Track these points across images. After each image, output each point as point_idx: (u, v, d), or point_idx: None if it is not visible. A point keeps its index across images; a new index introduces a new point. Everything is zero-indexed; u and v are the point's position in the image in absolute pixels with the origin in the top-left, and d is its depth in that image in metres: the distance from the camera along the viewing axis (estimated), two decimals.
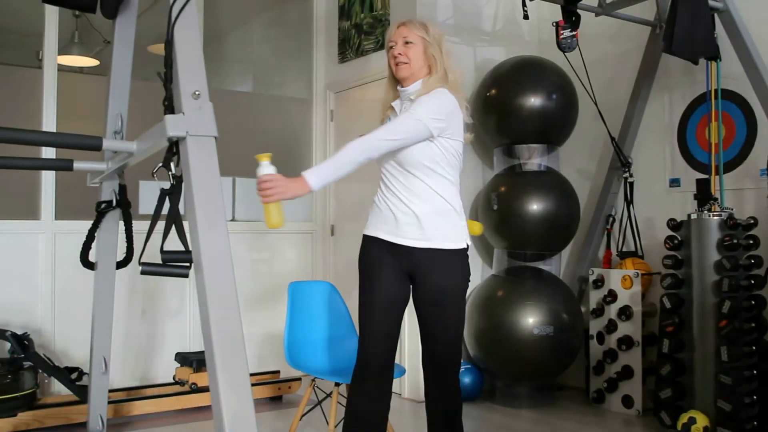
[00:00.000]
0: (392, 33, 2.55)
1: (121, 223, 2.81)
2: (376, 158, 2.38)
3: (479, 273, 4.63)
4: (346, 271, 4.89)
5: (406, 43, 2.50)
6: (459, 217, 2.47)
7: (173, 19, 1.81)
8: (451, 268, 2.43)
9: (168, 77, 1.81)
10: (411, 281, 2.48)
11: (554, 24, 3.73)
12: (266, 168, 2.18)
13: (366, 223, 2.55)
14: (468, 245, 2.48)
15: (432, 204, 2.41)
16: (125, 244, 2.77)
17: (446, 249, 2.42)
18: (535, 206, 4.12)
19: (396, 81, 2.57)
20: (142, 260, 1.79)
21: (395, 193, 2.44)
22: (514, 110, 4.21)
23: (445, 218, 2.42)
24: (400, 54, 2.50)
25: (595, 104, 4.27)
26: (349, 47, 5.01)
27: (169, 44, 1.81)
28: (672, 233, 3.67)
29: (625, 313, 3.98)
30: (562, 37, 3.72)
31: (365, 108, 4.84)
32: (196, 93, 1.77)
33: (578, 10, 3.74)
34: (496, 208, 4.20)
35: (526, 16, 3.71)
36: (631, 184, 4.33)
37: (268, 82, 6.05)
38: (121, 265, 2.81)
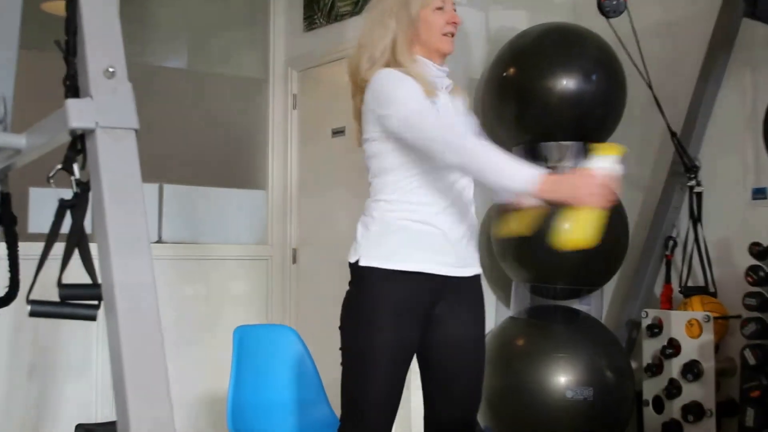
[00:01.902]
0: None
1: (3, 246, 2.79)
2: None
3: (492, 314, 4.62)
4: (314, 312, 4.87)
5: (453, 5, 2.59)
6: None
7: None
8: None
9: (70, 47, 1.80)
10: (429, 325, 2.54)
11: None
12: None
13: (388, 250, 2.49)
14: None
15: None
16: (8, 274, 2.75)
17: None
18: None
19: (425, 52, 2.59)
20: (31, 297, 1.78)
21: (458, 205, 2.53)
22: (541, 96, 4.23)
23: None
24: (456, 23, 2.57)
25: (650, 88, 4.29)
26: (318, 10, 5.03)
27: (71, 2, 1.80)
28: (756, 262, 3.69)
29: (692, 371, 3.99)
30: None
31: (340, 92, 4.85)
32: (110, 70, 1.76)
33: None
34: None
35: None
36: (699, 195, 4.36)
37: (209, 55, 6.04)
38: (1, 303, 2.78)
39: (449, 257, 2.51)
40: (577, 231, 2.26)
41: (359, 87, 2.58)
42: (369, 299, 2.45)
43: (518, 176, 2.28)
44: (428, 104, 2.42)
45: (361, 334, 2.45)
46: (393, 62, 2.52)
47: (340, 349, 2.50)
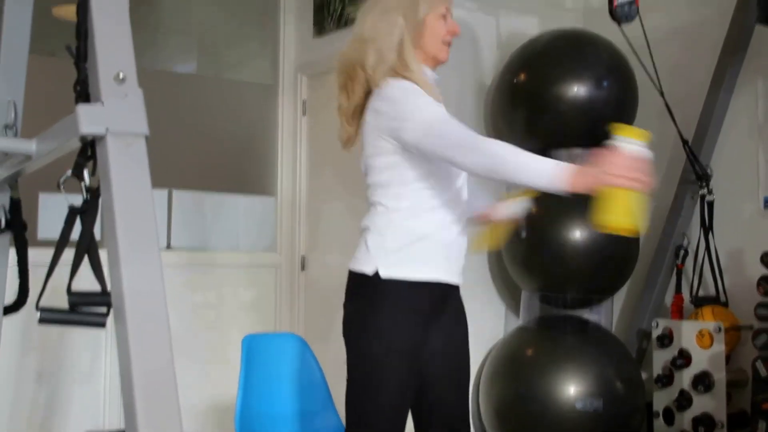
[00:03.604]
0: None
1: (13, 252, 2.79)
2: None
3: (501, 323, 4.61)
4: (322, 320, 4.87)
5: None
6: None
7: None
8: None
9: (81, 53, 1.80)
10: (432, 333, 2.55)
11: None
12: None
13: (413, 261, 2.47)
14: None
15: None
16: (17, 281, 2.75)
17: None
18: (578, 234, 4.12)
19: (423, 57, 2.58)
20: (40, 304, 1.77)
21: (464, 213, 2.56)
22: (551, 102, 4.22)
23: None
24: (457, 33, 2.60)
25: (662, 95, 4.29)
26: (328, 15, 5.03)
27: (82, 7, 1.80)
28: None
29: (704, 382, 3.97)
30: (617, 3, 3.75)
31: None
32: (120, 76, 1.76)
33: None
34: (525, 236, 4.19)
35: None
36: (711, 204, 4.34)
37: (219, 61, 6.06)
38: (10, 309, 2.78)
39: (457, 265, 2.52)
40: (619, 214, 2.14)
41: (358, 82, 2.54)
42: (387, 310, 2.42)
43: (550, 173, 2.24)
44: (445, 111, 2.41)
45: (376, 346, 2.42)
46: (399, 62, 2.49)
47: (349, 362, 2.47)
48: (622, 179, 2.13)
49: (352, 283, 2.50)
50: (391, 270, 2.41)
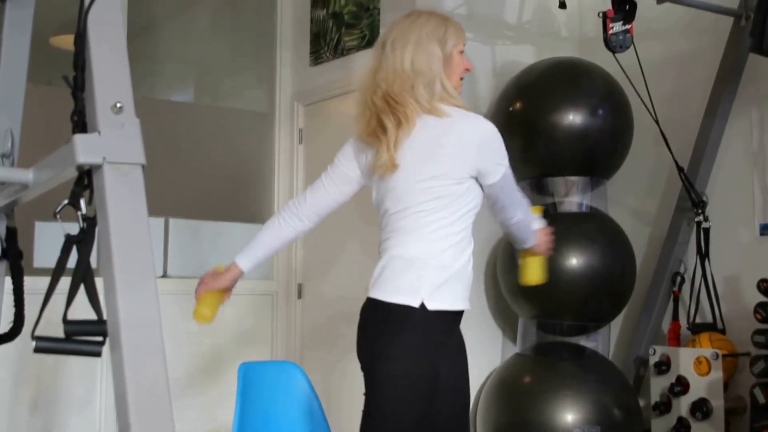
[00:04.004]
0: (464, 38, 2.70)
1: (9, 281, 2.79)
2: None
3: (498, 351, 4.60)
4: (319, 348, 4.86)
5: None
6: None
7: (87, 3, 1.82)
8: None
9: (78, 83, 1.81)
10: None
11: (601, 15, 3.78)
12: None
13: (457, 293, 2.57)
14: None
15: None
16: (13, 310, 2.74)
17: None
18: (575, 261, 4.12)
19: None
20: (36, 333, 1.77)
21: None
22: (547, 131, 4.24)
23: None
24: (470, 70, 2.74)
25: (657, 123, 4.30)
26: (324, 44, 5.06)
27: (80, 38, 1.81)
28: (765, 299, 3.67)
29: (701, 409, 3.96)
30: (611, 32, 3.77)
31: (346, 126, 4.85)
32: (118, 105, 1.76)
33: None
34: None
35: (562, 5, 3.77)
36: (707, 231, 4.35)
37: (215, 90, 6.08)
38: (6, 338, 2.77)
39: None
40: (539, 272, 2.93)
41: (411, 110, 2.55)
42: (432, 340, 2.51)
43: (534, 230, 2.82)
44: None
45: (418, 374, 2.49)
46: (444, 92, 2.59)
47: (373, 391, 2.50)
48: (542, 248, 2.88)
49: (392, 316, 2.49)
50: (437, 303, 2.48)
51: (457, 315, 2.60)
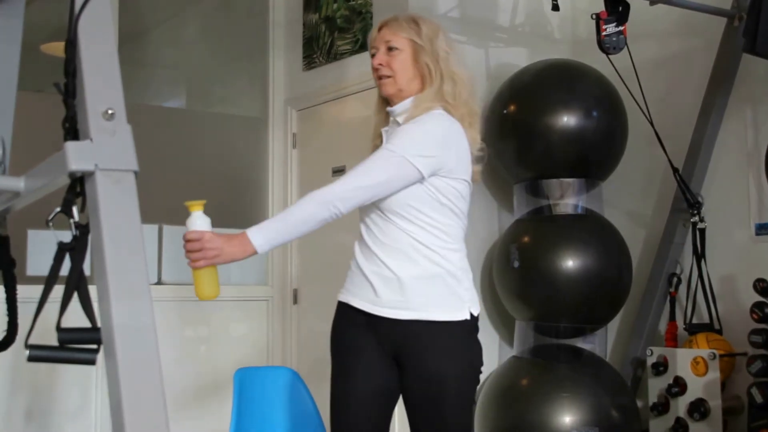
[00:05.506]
0: (374, 37, 2.60)
1: (1, 289, 2.78)
2: (345, 213, 2.40)
3: (495, 354, 4.59)
4: (315, 353, 4.85)
5: (390, 49, 2.54)
6: (458, 279, 2.48)
7: (77, 9, 1.81)
8: (446, 349, 2.45)
9: (70, 90, 1.80)
10: (398, 367, 2.51)
11: (594, 16, 3.79)
12: (197, 221, 2.21)
13: (342, 286, 2.56)
14: (474, 316, 2.48)
15: (420, 263, 2.44)
16: (6, 318, 2.74)
17: (438, 321, 2.44)
18: (571, 262, 4.13)
19: (385, 99, 2.61)
20: (29, 341, 1.77)
21: (373, 248, 2.47)
22: (541, 133, 4.24)
23: (437, 281, 2.45)
24: (381, 65, 2.54)
25: (651, 124, 4.30)
26: (317, 48, 5.06)
27: (71, 44, 1.80)
28: (761, 299, 3.67)
29: (699, 409, 3.96)
30: (605, 33, 3.77)
31: (340, 130, 4.86)
32: (109, 112, 1.76)
33: None
34: (518, 266, 4.20)
35: (555, 7, 3.77)
36: (702, 231, 4.35)
37: (208, 95, 6.07)
38: None
39: None
40: (208, 286, 2.35)
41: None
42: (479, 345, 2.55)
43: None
44: None
45: (474, 383, 2.55)
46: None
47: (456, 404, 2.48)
48: (189, 259, 2.36)
49: (452, 333, 2.46)
50: (476, 307, 2.52)
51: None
